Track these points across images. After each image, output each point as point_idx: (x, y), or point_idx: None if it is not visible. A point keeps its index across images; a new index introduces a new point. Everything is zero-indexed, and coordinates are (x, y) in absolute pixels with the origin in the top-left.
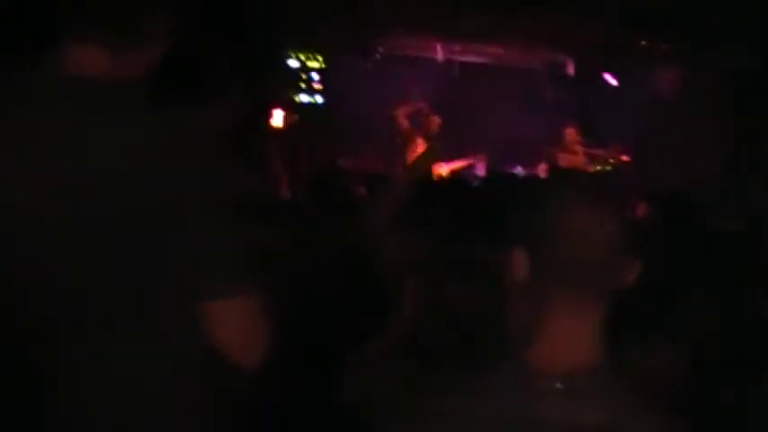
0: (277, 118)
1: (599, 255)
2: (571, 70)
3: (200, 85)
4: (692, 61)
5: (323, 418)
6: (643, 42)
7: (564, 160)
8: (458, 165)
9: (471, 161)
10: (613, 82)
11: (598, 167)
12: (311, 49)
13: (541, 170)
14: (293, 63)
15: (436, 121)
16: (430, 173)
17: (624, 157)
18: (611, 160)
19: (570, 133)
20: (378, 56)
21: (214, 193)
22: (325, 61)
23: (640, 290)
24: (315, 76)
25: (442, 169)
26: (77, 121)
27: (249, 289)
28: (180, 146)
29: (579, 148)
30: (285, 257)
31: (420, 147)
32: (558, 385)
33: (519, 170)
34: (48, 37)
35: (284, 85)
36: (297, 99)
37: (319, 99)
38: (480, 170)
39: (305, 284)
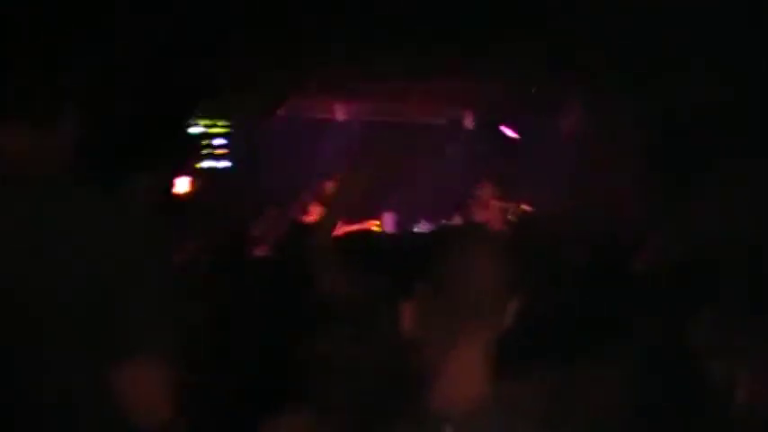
0: (182, 185)
1: (484, 300)
2: (469, 124)
3: (124, 158)
4: (593, 105)
5: None
6: (533, 90)
7: (479, 215)
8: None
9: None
10: (512, 134)
11: (507, 218)
12: (213, 115)
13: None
14: (195, 130)
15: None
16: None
17: (526, 207)
18: (514, 211)
19: (486, 189)
20: (280, 118)
21: (142, 263)
22: (228, 126)
23: (548, 329)
24: (218, 141)
25: (348, 227)
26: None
27: (161, 354)
28: (103, 216)
29: (494, 203)
30: (198, 324)
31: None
32: (449, 429)
33: (426, 226)
34: None
35: (188, 153)
36: (201, 165)
37: (224, 164)
38: (389, 227)
39: (217, 350)
